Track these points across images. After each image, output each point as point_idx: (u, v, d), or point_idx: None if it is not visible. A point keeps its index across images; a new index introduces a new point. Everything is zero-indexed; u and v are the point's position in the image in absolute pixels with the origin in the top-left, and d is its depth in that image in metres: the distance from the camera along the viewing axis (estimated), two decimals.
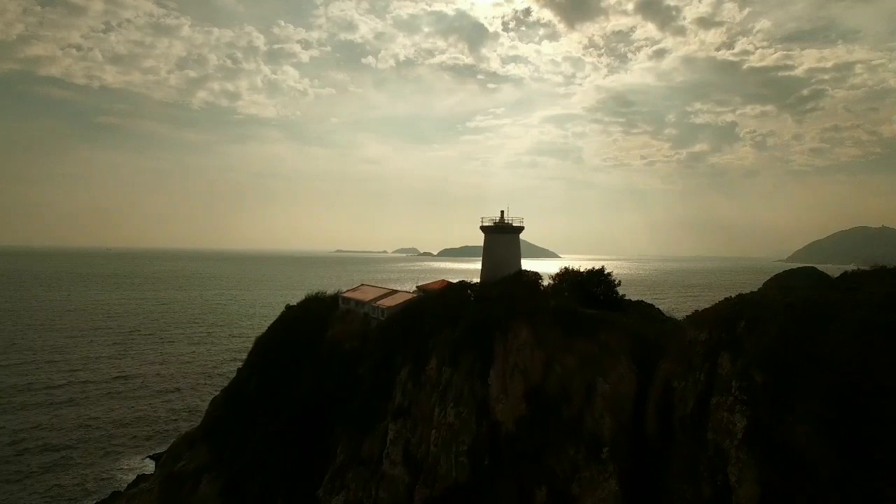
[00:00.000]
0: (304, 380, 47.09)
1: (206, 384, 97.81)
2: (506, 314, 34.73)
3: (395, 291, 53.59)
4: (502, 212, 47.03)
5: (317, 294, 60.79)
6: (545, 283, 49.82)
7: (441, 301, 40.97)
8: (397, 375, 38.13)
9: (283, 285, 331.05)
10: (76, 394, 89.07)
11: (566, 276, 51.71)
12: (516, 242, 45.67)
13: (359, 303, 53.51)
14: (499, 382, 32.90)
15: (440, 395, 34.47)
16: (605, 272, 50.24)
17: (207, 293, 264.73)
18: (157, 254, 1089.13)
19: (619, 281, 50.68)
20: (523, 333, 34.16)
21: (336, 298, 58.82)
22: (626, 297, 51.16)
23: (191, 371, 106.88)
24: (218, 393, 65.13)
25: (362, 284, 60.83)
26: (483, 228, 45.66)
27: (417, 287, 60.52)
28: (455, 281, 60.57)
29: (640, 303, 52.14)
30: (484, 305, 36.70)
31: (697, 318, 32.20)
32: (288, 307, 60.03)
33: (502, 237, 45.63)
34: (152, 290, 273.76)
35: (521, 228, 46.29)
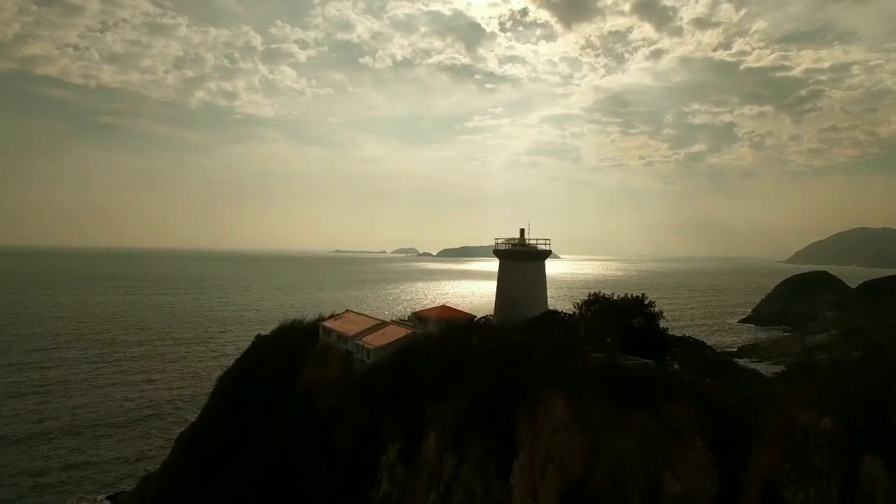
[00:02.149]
0: (269, 438, 37.41)
1: (184, 408, 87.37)
2: (532, 380, 24.99)
3: (384, 323, 43.78)
4: (522, 230, 35.83)
5: (293, 322, 51.02)
6: (570, 310, 40.35)
7: (441, 349, 31.24)
8: (384, 453, 28.45)
9: (280, 286, 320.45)
10: (31, 427, 78.14)
11: (597, 304, 42.20)
12: (541, 272, 34.73)
13: (341, 336, 43.85)
14: (525, 481, 23.26)
15: (442, 491, 24.80)
16: (646, 301, 40.69)
17: (202, 296, 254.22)
18: (155, 254, 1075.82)
19: (662, 311, 41.18)
20: (558, 409, 24.47)
21: (316, 327, 49.24)
22: (670, 331, 41.72)
23: (172, 392, 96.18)
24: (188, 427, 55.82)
25: (347, 311, 51.14)
26: (497, 253, 35.29)
27: (413, 314, 50.81)
28: (459, 309, 51.00)
29: (686, 339, 42.48)
30: (500, 363, 26.94)
31: (812, 393, 22.59)
32: (258, 338, 50.31)
33: (522, 266, 34.18)
34: (145, 293, 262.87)
35: (547, 253, 35.33)
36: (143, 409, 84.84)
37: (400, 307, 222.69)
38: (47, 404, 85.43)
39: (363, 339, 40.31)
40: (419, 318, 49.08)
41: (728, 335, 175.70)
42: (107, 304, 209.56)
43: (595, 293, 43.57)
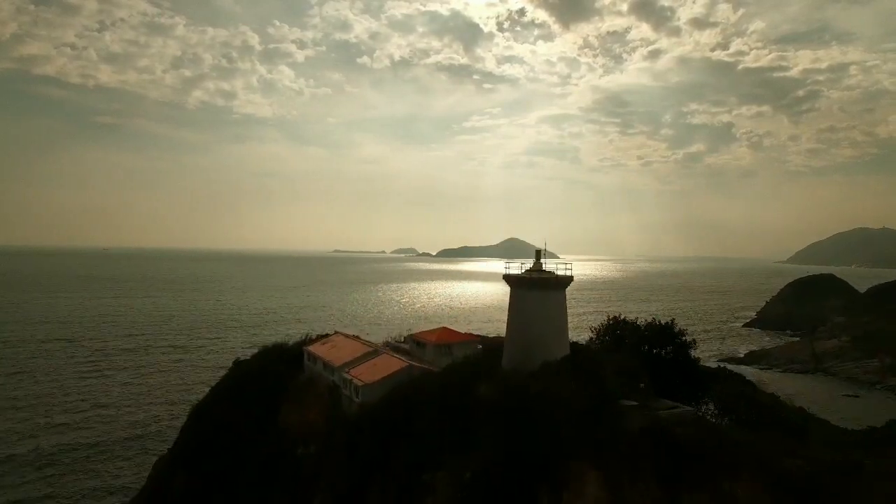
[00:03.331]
0: (239, 494, 32.01)
1: (167, 432, 79.73)
2: (556, 450, 19.62)
3: (375, 351, 38.26)
4: (538, 252, 29.23)
5: (276, 345, 45.58)
6: (588, 337, 35.04)
7: (440, 394, 25.84)
8: None
9: (278, 288, 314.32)
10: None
11: (619, 329, 36.91)
12: (561, 304, 27.75)
13: (327, 366, 38.46)
14: None
15: None
16: (676, 328, 35.39)
17: (198, 298, 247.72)
18: (153, 254, 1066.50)
19: (694, 340, 35.89)
20: (589, 485, 19.12)
21: (301, 351, 43.87)
22: (701, 360, 36.41)
23: (159, 409, 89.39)
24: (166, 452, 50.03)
25: (336, 333, 45.65)
26: (508, 279, 28.83)
27: (410, 336, 45.46)
28: (460, 332, 45.58)
29: (723, 371, 37.15)
30: (513, 425, 21.48)
31: None
32: (237, 364, 44.81)
33: (538, 295, 27.05)
34: (140, 296, 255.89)
35: (568, 281, 28.35)
36: (127, 430, 77.96)
37: (397, 309, 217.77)
38: (25, 423, 79.65)
39: (351, 372, 34.94)
40: (416, 341, 43.73)
41: (734, 340, 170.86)
42: (98, 308, 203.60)
43: (616, 317, 38.40)
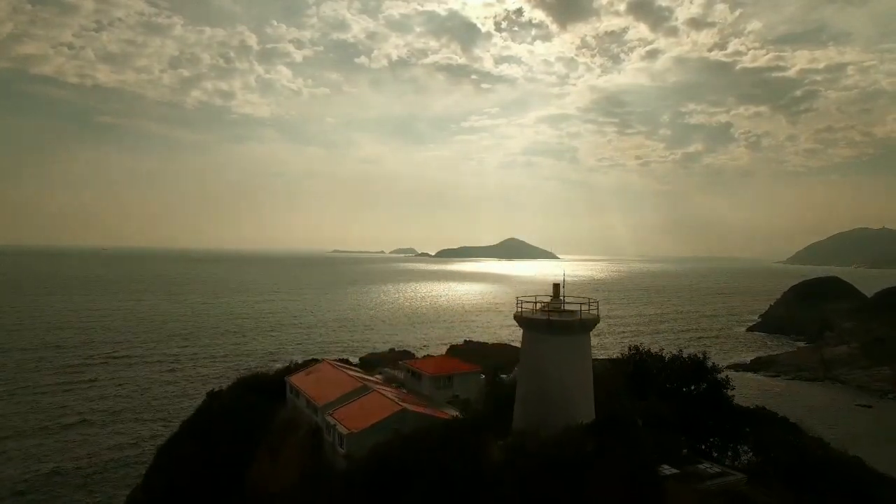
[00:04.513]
0: None
1: (135, 466, 72.94)
2: None
3: (365, 388, 33.59)
4: (557, 286, 23.67)
5: (254, 375, 40.95)
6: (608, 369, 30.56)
7: (440, 456, 21.30)
8: None
9: (276, 290, 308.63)
10: None
11: (642, 362, 32.46)
12: (585, 352, 22.40)
13: (310, 403, 33.89)
14: None
15: None
16: (707, 361, 30.95)
17: (193, 301, 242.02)
18: (151, 254, 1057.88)
19: (728, 377, 31.46)
20: None
21: (283, 382, 39.27)
22: (734, 398, 31.95)
23: (140, 431, 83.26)
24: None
25: (324, 361, 40.99)
26: (520, 321, 23.40)
27: (405, 364, 41.03)
28: (461, 362, 41.16)
29: (759, 410, 32.68)
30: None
31: None
32: (210, 397, 40.11)
33: (558, 342, 21.55)
34: (135, 298, 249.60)
35: (593, 323, 23.00)
36: (102, 454, 72.34)
37: (393, 313, 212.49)
38: None
39: (336, 415, 30.35)
40: (412, 371, 39.32)
41: (738, 345, 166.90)
42: (92, 311, 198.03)
43: (637, 347, 33.93)
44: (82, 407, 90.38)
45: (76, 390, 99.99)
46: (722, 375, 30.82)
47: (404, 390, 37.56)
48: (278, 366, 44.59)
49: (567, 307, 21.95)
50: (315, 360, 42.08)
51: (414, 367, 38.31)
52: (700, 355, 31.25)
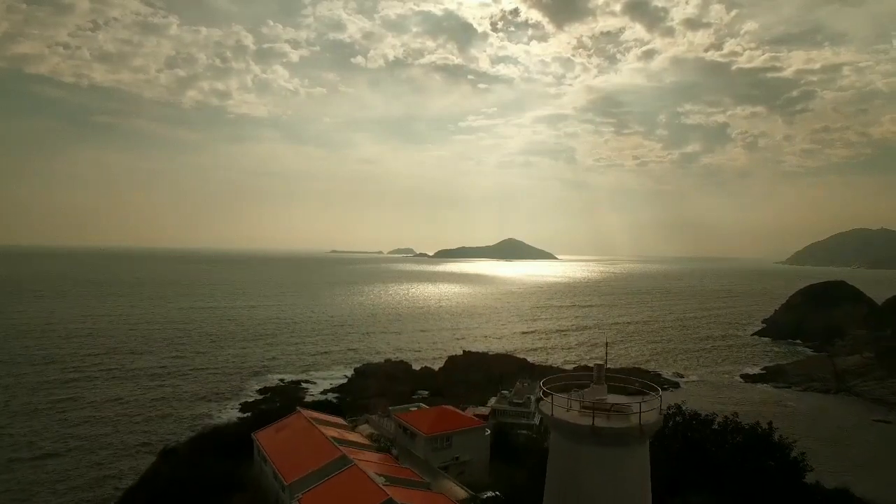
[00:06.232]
0: None
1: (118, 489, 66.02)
2: None
3: (344, 458, 26.97)
4: (599, 366, 16.27)
5: (216, 429, 34.43)
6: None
7: None
8: None
9: (273, 292, 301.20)
10: None
11: (688, 438, 25.87)
12: (642, 467, 14.68)
13: (277, 476, 27.39)
14: None
15: None
16: (774, 433, 24.47)
17: (190, 303, 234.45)
18: (150, 254, 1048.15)
19: (804, 453, 24.99)
20: None
21: (248, 438, 32.79)
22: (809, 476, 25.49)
23: (119, 455, 74.96)
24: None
25: (298, 412, 34.29)
26: (556, 425, 14.85)
27: (397, 419, 34.54)
28: (462, 414, 34.64)
29: (842, 492, 26.06)
30: None
31: None
32: (165, 455, 33.54)
33: (606, 455, 13.90)
34: (130, 301, 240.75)
35: (656, 427, 15.11)
36: (78, 479, 64.43)
37: (390, 318, 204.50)
38: None
39: (304, 500, 23.81)
40: (404, 427, 32.88)
41: (746, 352, 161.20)
42: (86, 315, 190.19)
43: (679, 406, 27.24)
44: (54, 433, 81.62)
45: (49, 413, 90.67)
46: (795, 453, 24.38)
47: (394, 451, 31.14)
48: (258, 388, 38.11)
49: (614, 397, 14.53)
50: (289, 411, 35.29)
51: (407, 424, 31.89)
52: (766, 426, 24.77)
